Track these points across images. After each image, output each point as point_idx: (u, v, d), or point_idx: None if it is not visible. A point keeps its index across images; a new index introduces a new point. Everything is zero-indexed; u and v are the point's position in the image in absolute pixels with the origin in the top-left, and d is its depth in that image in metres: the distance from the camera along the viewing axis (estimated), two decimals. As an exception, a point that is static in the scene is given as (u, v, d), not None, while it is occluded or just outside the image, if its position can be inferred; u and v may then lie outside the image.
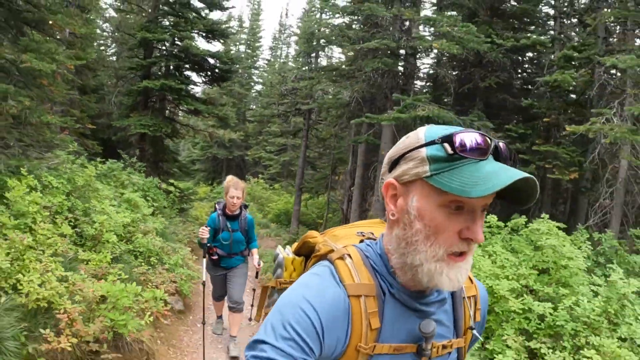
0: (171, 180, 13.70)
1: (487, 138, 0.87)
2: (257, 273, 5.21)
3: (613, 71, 8.28)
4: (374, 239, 1.08)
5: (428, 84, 10.76)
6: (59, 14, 7.43)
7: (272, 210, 18.26)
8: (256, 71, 32.48)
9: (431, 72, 10.63)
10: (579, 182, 8.86)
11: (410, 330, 0.96)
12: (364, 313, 0.92)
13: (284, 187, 22.29)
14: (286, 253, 1.31)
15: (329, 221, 13.55)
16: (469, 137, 0.86)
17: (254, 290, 6.00)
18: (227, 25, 15.36)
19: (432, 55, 10.00)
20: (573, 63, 8.35)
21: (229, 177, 5.23)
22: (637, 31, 8.28)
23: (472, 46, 7.26)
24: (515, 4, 9.95)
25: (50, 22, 7.54)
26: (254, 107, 27.85)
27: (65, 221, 5.40)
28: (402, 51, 8.67)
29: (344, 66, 8.25)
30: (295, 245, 1.30)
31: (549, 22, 10.39)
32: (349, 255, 0.98)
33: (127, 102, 13.63)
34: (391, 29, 7.97)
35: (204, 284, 5.23)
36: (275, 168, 23.06)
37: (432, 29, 8.72)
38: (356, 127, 9.90)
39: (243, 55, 32.31)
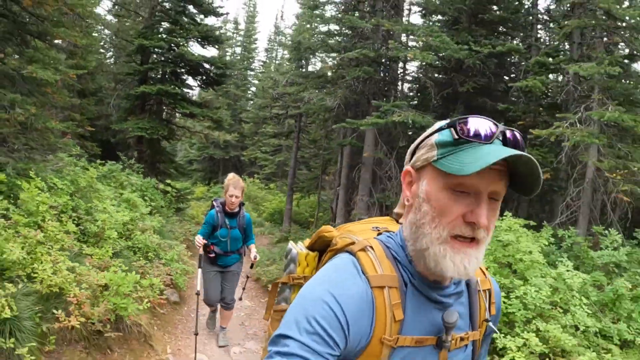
0: (168, 181, 14.21)
1: (494, 124, 0.91)
2: (252, 264, 5.39)
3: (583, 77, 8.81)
4: (392, 232, 1.09)
5: (415, 86, 11.32)
6: (62, 26, 7.93)
7: (267, 209, 18.79)
8: (252, 72, 33.01)
9: (416, 77, 11.18)
10: (553, 183, 9.40)
11: (431, 321, 0.97)
12: (388, 304, 0.92)
13: (279, 186, 22.79)
14: (299, 248, 1.28)
15: (320, 219, 14.09)
16: (474, 122, 0.89)
17: (247, 277, 5.95)
18: (221, 32, 15.85)
19: (416, 62, 10.54)
20: (546, 69, 8.88)
21: (230, 175, 5.30)
22: (605, 39, 8.80)
23: (449, 53, 7.79)
24: (497, 11, 10.47)
25: (54, 34, 8.04)
26: (250, 108, 28.29)
27: (69, 220, 5.91)
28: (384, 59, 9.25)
29: (329, 73, 8.78)
30: (308, 240, 1.29)
31: (527, 28, 10.92)
32: (371, 247, 0.99)
33: (125, 106, 14.14)
34: (372, 39, 8.52)
35: (197, 294, 5.18)
36: (270, 168, 23.57)
37: (412, 37, 9.28)
38: (343, 130, 10.44)
39: (239, 57, 32.87)
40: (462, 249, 0.89)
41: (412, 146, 1.01)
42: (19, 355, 3.36)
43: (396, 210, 1.14)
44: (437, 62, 8.12)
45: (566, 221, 8.00)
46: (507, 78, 12.00)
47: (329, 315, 0.85)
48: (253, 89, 31.55)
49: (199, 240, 4.97)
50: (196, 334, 4.91)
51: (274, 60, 34.26)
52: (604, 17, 8.15)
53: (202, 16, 14.66)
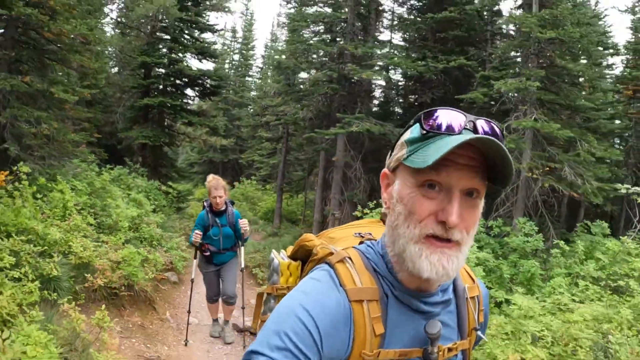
0: (169, 183, 15.71)
1: (461, 114, 0.86)
2: (245, 239, 5.50)
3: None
4: (373, 239, 1.04)
5: (380, 99, 12.81)
6: (77, 53, 9.41)
7: (262, 208, 20.29)
8: (249, 79, 34.55)
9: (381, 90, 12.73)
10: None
11: (415, 333, 0.93)
12: (368, 319, 0.88)
13: (274, 188, 24.25)
14: (281, 258, 1.25)
15: (307, 217, 15.57)
16: (439, 114, 0.85)
17: (241, 270, 6.02)
18: (216, 47, 17.37)
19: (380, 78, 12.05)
20: (490, 82, 10.33)
21: (210, 177, 5.51)
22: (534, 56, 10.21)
23: (406, 70, 9.26)
24: (455, 30, 11.93)
25: (70, 59, 9.52)
26: (247, 113, 29.76)
27: (88, 215, 7.39)
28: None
29: (302, 87, 10.23)
30: (290, 249, 1.25)
31: (482, 44, 12.35)
32: (350, 258, 0.95)
33: (130, 115, 15.67)
34: (336, 61, 10.01)
35: (192, 280, 5.66)
36: (266, 170, 25.04)
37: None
38: (320, 137, 11.93)
39: (237, 63, 34.38)
40: (438, 248, 0.84)
41: (392, 148, 0.97)
42: (60, 304, 4.83)
43: (383, 210, 1.04)
44: (394, 79, 9.58)
45: (503, 214, 9.43)
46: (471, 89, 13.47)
47: (301, 331, 0.82)
48: (253, 92, 32.98)
49: (197, 234, 5.25)
50: (189, 312, 5.73)
51: (270, 67, 35.72)
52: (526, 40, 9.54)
53: (198, 32, 16.19)
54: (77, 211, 7.15)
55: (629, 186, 8.33)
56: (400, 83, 11.49)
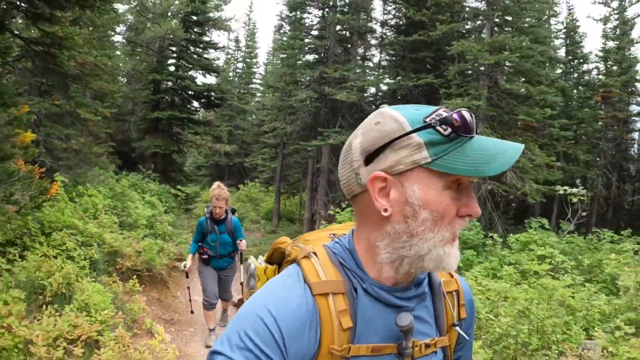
0: (178, 187, 17.41)
1: (469, 112, 0.86)
2: (241, 256, 5.76)
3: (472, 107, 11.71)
4: None
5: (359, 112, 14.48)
6: (98, 78, 11.09)
7: (263, 209, 21.97)
8: (252, 86, 36.19)
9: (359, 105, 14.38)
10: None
11: (388, 328, 0.91)
12: (334, 312, 0.87)
13: (275, 190, 25.90)
14: (258, 262, 1.25)
15: (303, 216, 17.20)
16: (461, 115, 0.83)
17: (241, 283, 6.25)
18: (218, 63, 19.05)
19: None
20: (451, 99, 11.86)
21: (214, 186, 5.61)
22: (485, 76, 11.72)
23: (376, 89, 10.85)
24: (427, 50, 13.50)
25: (91, 83, 11.22)
26: (250, 120, 31.43)
27: (112, 215, 9.05)
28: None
29: (296, 103, 11.82)
30: (267, 254, 1.22)
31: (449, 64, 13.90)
32: (315, 253, 0.95)
33: (142, 126, 17.39)
34: (318, 81, 11.67)
35: (188, 288, 6.28)
36: (268, 173, 26.69)
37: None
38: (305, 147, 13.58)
39: (240, 71, 36.09)
40: (454, 243, 0.88)
41: (367, 147, 0.88)
42: (101, 278, 6.47)
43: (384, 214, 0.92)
44: (372, 93, 11.15)
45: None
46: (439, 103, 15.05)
47: (261, 330, 0.81)
48: (258, 95, 34.58)
49: (185, 265, 5.81)
50: (192, 312, 6.27)
51: (272, 74, 37.36)
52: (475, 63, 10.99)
53: (201, 50, 17.88)
54: (104, 212, 8.81)
55: (567, 187, 9.83)
56: (378, 97, 13.10)
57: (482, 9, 10.27)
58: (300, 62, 12.58)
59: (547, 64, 11.80)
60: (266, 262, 1.22)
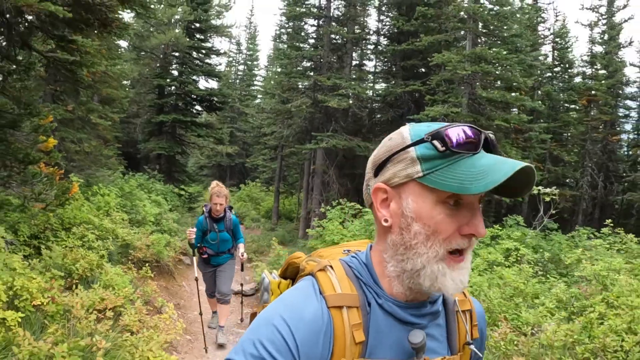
0: (182, 186, 18.27)
1: (477, 130, 0.86)
2: (242, 265, 5.95)
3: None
4: None
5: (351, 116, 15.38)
6: (108, 87, 11.96)
7: (263, 208, 22.82)
8: (254, 88, 37.05)
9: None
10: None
11: (400, 344, 0.91)
12: (347, 326, 0.88)
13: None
14: (272, 277, 1.25)
15: (300, 214, 18.05)
16: (458, 132, 0.84)
17: (241, 285, 6.70)
18: (219, 68, 19.92)
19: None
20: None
21: (213, 184, 5.67)
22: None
23: (365, 96, 11.67)
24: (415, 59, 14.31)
25: (101, 91, 12.09)
26: (251, 120, 32.28)
27: (122, 212, 9.90)
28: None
29: (292, 109, 12.69)
30: (281, 268, 1.24)
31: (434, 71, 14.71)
32: (331, 267, 0.96)
33: (147, 129, 18.26)
34: (312, 89, 12.54)
35: (196, 279, 5.91)
36: (268, 173, 27.55)
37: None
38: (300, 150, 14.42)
39: (241, 73, 36.98)
40: (457, 265, 0.87)
41: (376, 160, 0.94)
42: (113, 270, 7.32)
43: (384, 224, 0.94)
44: (347, 106, 12.01)
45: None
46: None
47: (276, 339, 0.83)
48: (259, 98, 35.46)
49: (191, 232, 5.55)
50: (200, 314, 5.79)
51: (271, 80, 38.20)
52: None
53: (202, 55, 18.74)
54: (116, 210, 9.66)
55: (540, 188, 10.62)
56: (368, 103, 13.96)
57: (464, 20, 11.09)
58: (296, 69, 13.49)
59: (526, 71, 12.60)
60: (280, 276, 1.23)
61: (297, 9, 13.63)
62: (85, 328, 3.61)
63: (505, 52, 10.54)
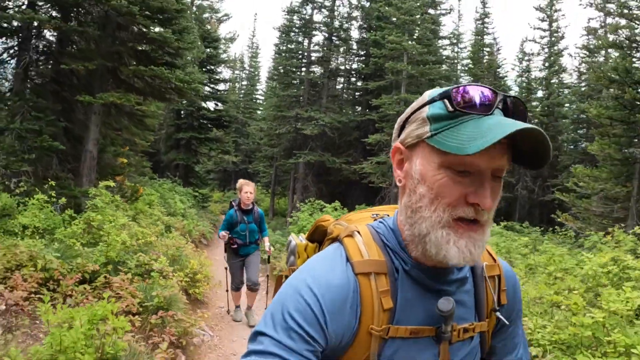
0: (197, 189, 22.80)
1: (492, 91, 0.82)
2: (268, 257, 6.29)
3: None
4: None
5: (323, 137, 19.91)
6: (149, 118, 16.45)
7: (262, 207, 27.39)
8: (256, 96, 41.47)
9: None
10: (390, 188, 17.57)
11: (428, 311, 0.90)
12: (375, 292, 0.87)
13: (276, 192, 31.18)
14: (299, 240, 1.25)
15: (292, 211, 22.54)
16: (470, 91, 0.81)
17: (267, 276, 7.02)
18: (226, 93, 24.52)
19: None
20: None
21: (241, 180, 6.13)
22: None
23: (330, 125, 16.12)
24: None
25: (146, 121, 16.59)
26: (253, 131, 36.74)
27: (161, 207, 14.36)
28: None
29: (280, 133, 17.04)
30: (308, 231, 1.23)
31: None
32: (358, 232, 0.94)
33: (168, 143, 22.84)
34: (295, 117, 17.02)
35: (226, 268, 6.32)
36: (268, 178, 32.00)
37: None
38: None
39: (244, 88, 41.47)
40: (466, 233, 0.82)
41: (401, 119, 0.92)
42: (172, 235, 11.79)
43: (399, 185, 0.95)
44: (323, 132, 16.47)
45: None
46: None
47: (304, 309, 0.82)
48: (260, 110, 39.83)
49: (223, 234, 5.84)
50: (228, 312, 6.60)
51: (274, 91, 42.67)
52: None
53: (213, 84, 23.31)
54: (157, 205, 14.14)
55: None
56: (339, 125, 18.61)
57: (399, 72, 15.54)
58: (282, 103, 18.14)
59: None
60: (307, 239, 1.23)
61: (285, 58, 18.08)
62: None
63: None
